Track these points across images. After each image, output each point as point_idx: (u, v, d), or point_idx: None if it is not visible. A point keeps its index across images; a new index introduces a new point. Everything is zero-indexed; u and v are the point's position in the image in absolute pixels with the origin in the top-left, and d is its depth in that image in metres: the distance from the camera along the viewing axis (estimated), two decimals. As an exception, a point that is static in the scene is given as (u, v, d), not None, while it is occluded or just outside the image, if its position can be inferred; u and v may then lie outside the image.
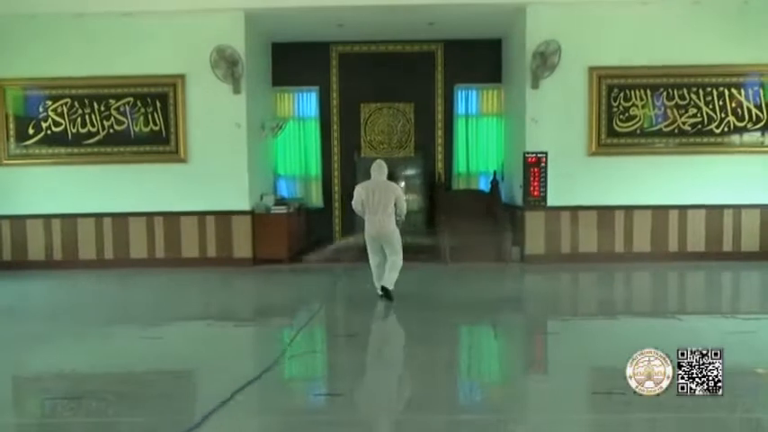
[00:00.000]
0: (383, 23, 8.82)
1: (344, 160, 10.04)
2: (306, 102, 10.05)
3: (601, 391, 3.70)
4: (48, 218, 8.32)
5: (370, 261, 6.11)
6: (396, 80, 9.88)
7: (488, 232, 8.67)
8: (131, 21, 8.08)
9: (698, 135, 8.24)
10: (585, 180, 8.22)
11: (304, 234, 9.65)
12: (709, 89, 8.20)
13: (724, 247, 8.27)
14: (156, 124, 8.30)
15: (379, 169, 6.03)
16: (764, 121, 8.20)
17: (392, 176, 9.95)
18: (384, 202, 5.85)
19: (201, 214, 8.29)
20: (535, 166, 8.20)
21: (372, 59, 9.88)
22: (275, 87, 9.88)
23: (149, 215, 8.31)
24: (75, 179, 8.31)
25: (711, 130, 8.23)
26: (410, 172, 10.20)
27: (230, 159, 8.21)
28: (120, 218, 8.31)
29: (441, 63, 9.89)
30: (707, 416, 3.25)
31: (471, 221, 8.83)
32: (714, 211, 8.25)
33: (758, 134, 8.24)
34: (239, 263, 8.26)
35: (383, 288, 5.96)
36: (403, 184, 10.21)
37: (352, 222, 10.01)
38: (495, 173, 9.51)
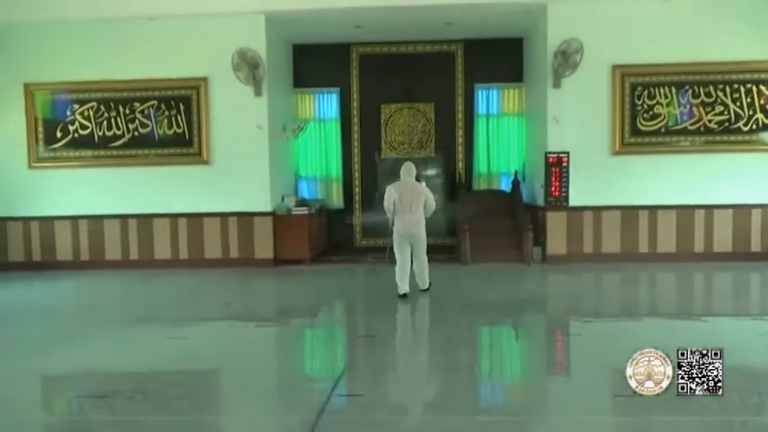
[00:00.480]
0: (400, 24, 8.82)
1: (365, 161, 10.07)
2: (326, 103, 10.11)
3: (623, 394, 3.66)
4: (75, 219, 8.52)
5: (397, 260, 6.20)
6: (416, 80, 9.88)
7: (509, 232, 8.63)
8: (155, 25, 8.23)
9: (725, 133, 8.08)
10: (608, 180, 8.12)
11: (325, 235, 9.71)
12: (736, 86, 8.03)
13: (752, 247, 8.08)
14: (179, 127, 8.43)
15: (409, 171, 6.30)
16: (794, 119, 8.01)
17: (417, 177, 10.03)
18: (415, 202, 6.12)
19: (224, 215, 8.40)
20: (557, 166, 8.13)
21: (392, 60, 9.90)
22: (296, 89, 9.96)
23: (173, 216, 8.44)
24: (101, 181, 8.49)
25: (739, 127, 8.06)
26: (431, 172, 10.18)
27: (252, 161, 8.30)
28: (145, 219, 8.47)
29: (461, 63, 9.86)
30: (731, 419, 3.20)
31: (492, 222, 8.79)
32: (742, 210, 8.07)
33: (787, 132, 8.05)
34: (261, 264, 8.34)
35: (403, 293, 6.12)
36: (424, 184, 10.17)
37: (373, 223, 10.09)
38: (516, 173, 9.45)
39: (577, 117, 8.11)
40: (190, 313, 6.03)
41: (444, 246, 9.57)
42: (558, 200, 8.17)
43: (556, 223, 8.20)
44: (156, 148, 8.46)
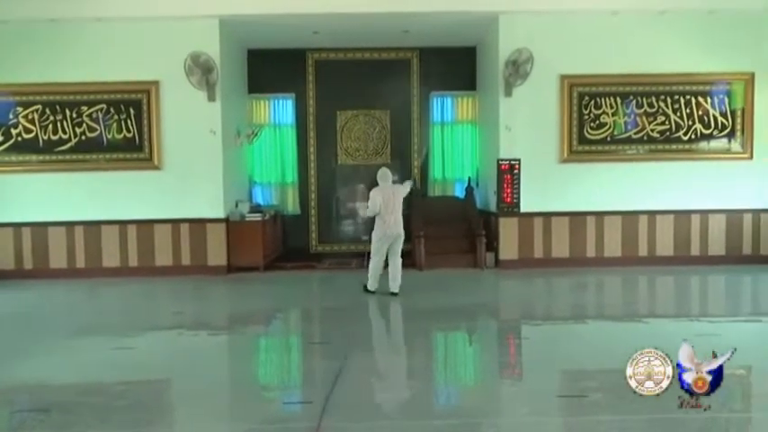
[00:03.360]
0: (358, 31, 8.88)
1: (321, 167, 10.06)
2: (282, 109, 10.06)
3: (568, 394, 3.79)
4: (18, 226, 8.18)
5: (373, 262, 6.67)
6: (372, 87, 9.95)
7: (463, 238, 8.77)
8: (104, 26, 8.03)
9: (666, 142, 8.44)
10: (558, 186, 8.36)
11: (280, 241, 9.64)
12: (676, 97, 8.41)
13: (692, 251, 8.47)
14: (129, 131, 8.23)
15: (385, 176, 6.73)
16: (730, 129, 8.44)
17: (372, 183, 10.09)
18: (397, 203, 6.59)
19: (176, 222, 8.23)
20: (508, 173, 8.32)
21: (348, 66, 9.94)
22: (251, 94, 9.87)
23: (122, 223, 8.22)
24: (45, 186, 8.19)
25: (679, 137, 8.44)
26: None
27: (205, 167, 8.18)
28: (93, 226, 8.21)
29: (416, 70, 9.99)
30: (674, 416, 3.34)
31: (447, 227, 8.91)
32: (682, 216, 8.45)
33: (724, 141, 8.47)
34: (214, 271, 8.21)
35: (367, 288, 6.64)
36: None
37: (329, 229, 10.10)
38: (469, 179, 9.62)
39: (528, 125, 8.33)
40: (138, 323, 5.88)
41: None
42: (510, 206, 8.36)
43: (508, 229, 8.38)
44: (105, 152, 8.23)
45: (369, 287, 6.72)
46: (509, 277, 7.95)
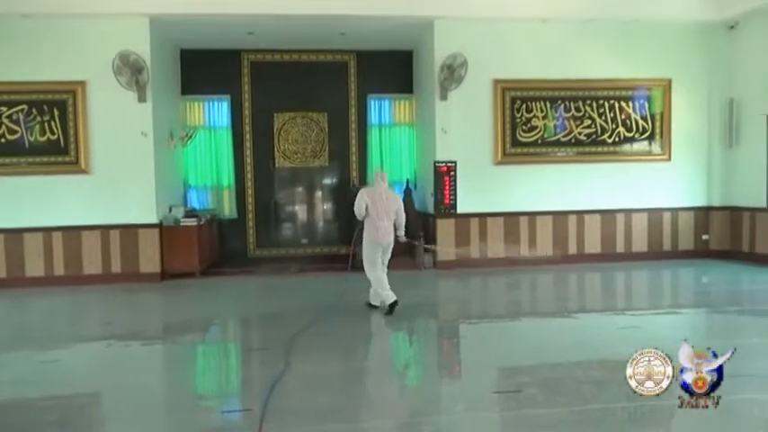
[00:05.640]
0: (294, 32, 8.82)
1: (258, 170, 9.91)
2: (217, 111, 9.84)
3: (504, 390, 3.91)
4: (-72, 235, 7.64)
5: (373, 272, 5.96)
6: (309, 89, 9.90)
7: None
8: (29, 23, 7.62)
9: (593, 144, 8.86)
10: (493, 188, 8.60)
11: (216, 246, 9.43)
12: (601, 102, 8.85)
13: (617, 248, 8.93)
14: (53, 133, 7.84)
15: (382, 177, 6.18)
16: (650, 132, 8.95)
17: (312, 186, 10.08)
18: (390, 209, 5.98)
19: (105, 228, 7.90)
20: (445, 175, 8.49)
21: (285, 68, 9.85)
22: (184, 96, 9.61)
23: (47, 230, 7.81)
24: (-40, 192, 7.68)
25: (604, 140, 8.87)
26: (326, 181, 10.26)
27: (136, 170, 7.89)
28: (14, 234, 7.76)
29: (354, 73, 10.02)
30: (605, 407, 3.52)
31: (386, 229, 8.95)
32: (608, 215, 8.89)
33: (645, 143, 8.98)
34: (146, 278, 7.93)
35: (392, 303, 5.84)
36: (319, 193, 10.25)
37: (268, 233, 9.96)
38: (408, 181, 9.74)
39: (464, 128, 8.53)
40: (64, 334, 5.61)
41: (339, 254, 9.67)
42: (447, 207, 8.53)
43: (445, 230, 8.55)
44: (27, 156, 7.81)
45: (387, 301, 5.86)
46: (447, 277, 8.11)
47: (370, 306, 6.16)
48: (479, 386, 4.05)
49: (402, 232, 6.17)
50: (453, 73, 8.31)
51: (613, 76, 8.81)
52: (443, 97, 8.47)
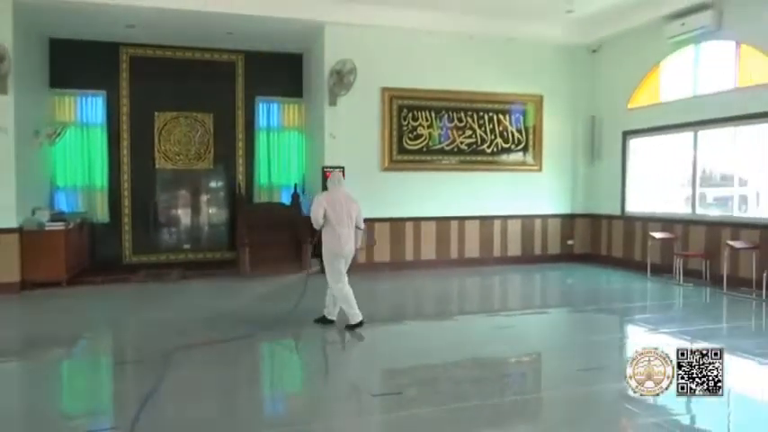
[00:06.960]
0: (178, 28, 8.46)
1: (136, 171, 9.35)
2: (91, 107, 9.17)
3: (386, 392, 4.02)
4: None
5: (341, 286, 5.46)
6: (194, 89, 9.52)
7: (290, 245, 8.78)
8: None
9: (473, 154, 9.35)
10: (380, 194, 8.77)
11: (87, 252, 8.77)
12: (482, 113, 9.36)
13: (494, 253, 9.48)
14: None
15: (339, 179, 5.71)
16: (524, 144, 9.61)
17: (196, 189, 9.66)
18: (351, 214, 5.52)
19: (-46, 232, 7.09)
20: (333, 181, 8.52)
21: (168, 65, 9.40)
22: (53, 89, 8.86)
23: None
24: None
25: (484, 150, 9.39)
26: (211, 185, 9.91)
27: (-7, 169, 7.15)
28: None
29: (242, 74, 9.78)
30: (477, 404, 3.72)
31: (273, 234, 8.85)
32: (486, 221, 9.42)
33: (520, 154, 9.62)
34: (3, 288, 7.16)
35: (360, 321, 5.51)
36: (204, 197, 9.87)
37: (146, 238, 9.42)
38: (296, 186, 9.67)
39: (352, 134, 8.64)
40: None
41: (224, 260, 9.41)
42: (335, 212, 8.56)
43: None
44: None
45: (352, 321, 5.49)
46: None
47: (325, 322, 5.66)
48: (360, 390, 4.13)
49: (360, 237, 5.75)
50: (343, 79, 8.38)
51: (493, 90, 9.35)
52: (333, 103, 8.53)
